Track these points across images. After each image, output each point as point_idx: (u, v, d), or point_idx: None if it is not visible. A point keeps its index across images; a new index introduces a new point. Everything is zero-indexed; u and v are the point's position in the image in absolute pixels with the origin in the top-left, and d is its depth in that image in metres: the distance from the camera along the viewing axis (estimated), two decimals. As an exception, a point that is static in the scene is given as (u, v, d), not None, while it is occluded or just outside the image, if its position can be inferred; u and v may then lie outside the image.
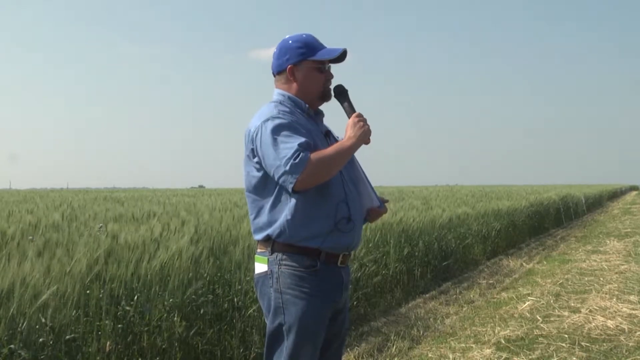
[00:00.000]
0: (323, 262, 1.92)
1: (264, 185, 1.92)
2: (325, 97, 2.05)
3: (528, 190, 22.52)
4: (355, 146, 1.94)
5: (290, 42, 2.00)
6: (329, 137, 2.06)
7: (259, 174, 1.92)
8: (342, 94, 2.06)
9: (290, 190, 1.83)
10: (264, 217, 1.93)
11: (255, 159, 1.91)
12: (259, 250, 1.98)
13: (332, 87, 2.06)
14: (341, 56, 2.01)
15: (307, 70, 1.99)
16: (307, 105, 2.01)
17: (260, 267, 1.96)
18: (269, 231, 1.91)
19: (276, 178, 1.84)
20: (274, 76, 2.05)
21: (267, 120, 1.88)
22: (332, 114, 2.14)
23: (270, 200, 1.91)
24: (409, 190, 22.52)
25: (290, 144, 1.81)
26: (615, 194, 37.93)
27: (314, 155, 1.82)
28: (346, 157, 1.93)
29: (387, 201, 2.19)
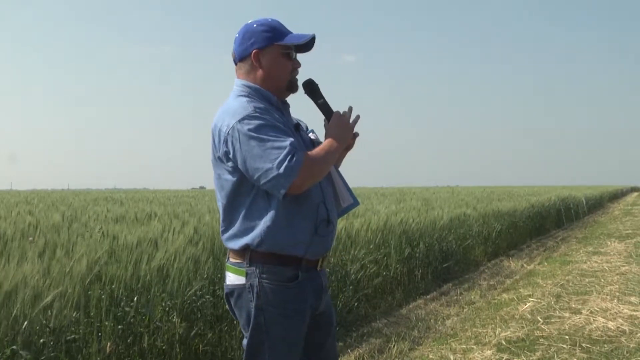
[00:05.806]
0: (304, 271, 1.80)
1: (239, 189, 1.78)
2: (292, 88, 1.90)
3: (529, 191, 22.54)
4: (343, 145, 1.85)
5: (254, 25, 1.85)
6: (299, 130, 1.92)
7: (233, 178, 1.77)
8: (315, 90, 1.92)
9: (281, 195, 1.69)
10: (238, 224, 1.79)
11: (230, 163, 1.76)
12: (232, 260, 1.83)
13: (300, 81, 1.92)
14: (309, 43, 1.87)
15: (274, 55, 1.84)
16: (275, 97, 1.86)
17: (236, 279, 1.80)
18: (246, 240, 1.76)
19: (262, 182, 1.69)
20: (236, 64, 1.90)
21: (244, 119, 1.71)
22: (296, 104, 2.03)
23: (246, 205, 1.77)
24: (410, 191, 22.50)
25: (279, 144, 1.67)
26: (616, 195, 37.90)
27: (309, 156, 1.72)
28: (336, 157, 1.83)
29: (357, 135, 1.95)
